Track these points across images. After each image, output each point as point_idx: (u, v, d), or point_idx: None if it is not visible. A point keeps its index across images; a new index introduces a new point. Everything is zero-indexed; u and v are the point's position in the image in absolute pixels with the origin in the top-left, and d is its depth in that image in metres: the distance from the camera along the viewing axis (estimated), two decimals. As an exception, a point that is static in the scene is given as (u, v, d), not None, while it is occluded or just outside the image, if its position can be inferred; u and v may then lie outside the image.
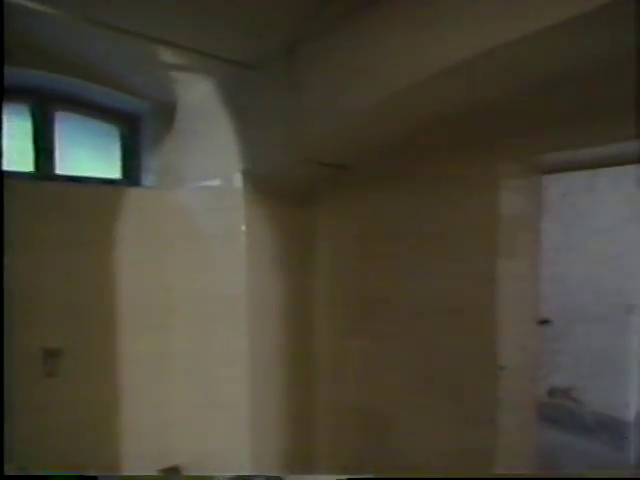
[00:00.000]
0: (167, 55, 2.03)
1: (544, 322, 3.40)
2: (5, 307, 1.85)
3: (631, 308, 3.12)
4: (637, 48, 1.03)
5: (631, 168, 2.85)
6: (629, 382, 3.23)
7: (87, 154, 2.78)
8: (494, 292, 1.79)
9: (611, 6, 0.88)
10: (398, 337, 2.16)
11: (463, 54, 1.13)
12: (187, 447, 2.65)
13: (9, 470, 1.35)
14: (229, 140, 2.19)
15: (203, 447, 2.57)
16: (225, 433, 2.40)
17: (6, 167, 1.73)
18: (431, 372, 2.04)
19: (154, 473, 2.63)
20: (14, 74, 2.24)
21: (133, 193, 2.64)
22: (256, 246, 2.22)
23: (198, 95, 2.44)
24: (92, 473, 1.46)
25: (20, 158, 2.47)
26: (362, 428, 2.35)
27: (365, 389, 2.33)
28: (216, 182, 2.38)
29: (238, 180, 2.17)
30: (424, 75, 1.20)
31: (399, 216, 2.06)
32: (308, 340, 2.48)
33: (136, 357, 2.59)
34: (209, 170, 2.44)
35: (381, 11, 1.36)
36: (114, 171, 2.85)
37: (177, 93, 2.56)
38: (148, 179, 2.87)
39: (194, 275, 2.59)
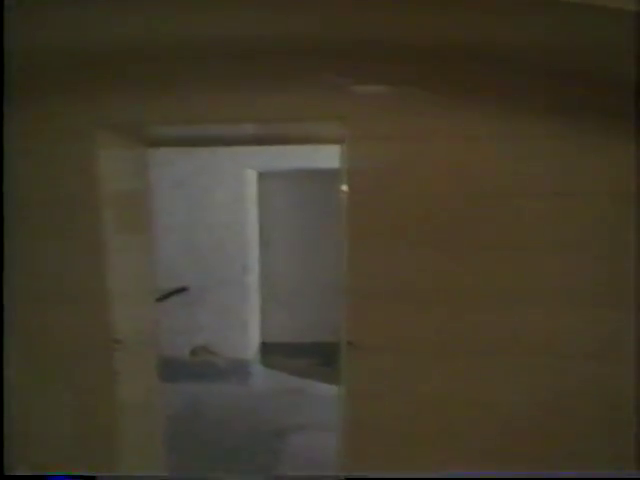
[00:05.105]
0: None
1: (182, 290, 3.68)
2: None
3: (246, 269, 3.83)
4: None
5: (244, 149, 3.40)
6: (249, 329, 3.99)
7: None
8: (105, 268, 1.73)
9: None
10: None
11: None
12: None
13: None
14: None
15: None
16: None
17: None
18: (48, 359, 1.82)
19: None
20: None
21: None
22: None
23: None
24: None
25: None
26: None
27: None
28: None
29: None
30: None
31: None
32: None
33: None
34: None
35: None
36: None
37: None
38: None
39: None
